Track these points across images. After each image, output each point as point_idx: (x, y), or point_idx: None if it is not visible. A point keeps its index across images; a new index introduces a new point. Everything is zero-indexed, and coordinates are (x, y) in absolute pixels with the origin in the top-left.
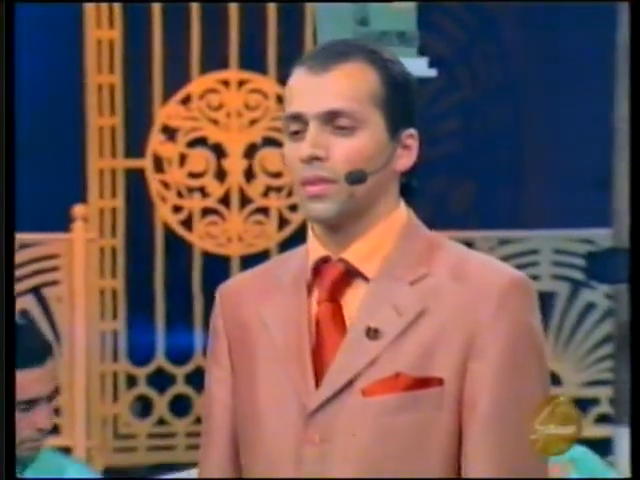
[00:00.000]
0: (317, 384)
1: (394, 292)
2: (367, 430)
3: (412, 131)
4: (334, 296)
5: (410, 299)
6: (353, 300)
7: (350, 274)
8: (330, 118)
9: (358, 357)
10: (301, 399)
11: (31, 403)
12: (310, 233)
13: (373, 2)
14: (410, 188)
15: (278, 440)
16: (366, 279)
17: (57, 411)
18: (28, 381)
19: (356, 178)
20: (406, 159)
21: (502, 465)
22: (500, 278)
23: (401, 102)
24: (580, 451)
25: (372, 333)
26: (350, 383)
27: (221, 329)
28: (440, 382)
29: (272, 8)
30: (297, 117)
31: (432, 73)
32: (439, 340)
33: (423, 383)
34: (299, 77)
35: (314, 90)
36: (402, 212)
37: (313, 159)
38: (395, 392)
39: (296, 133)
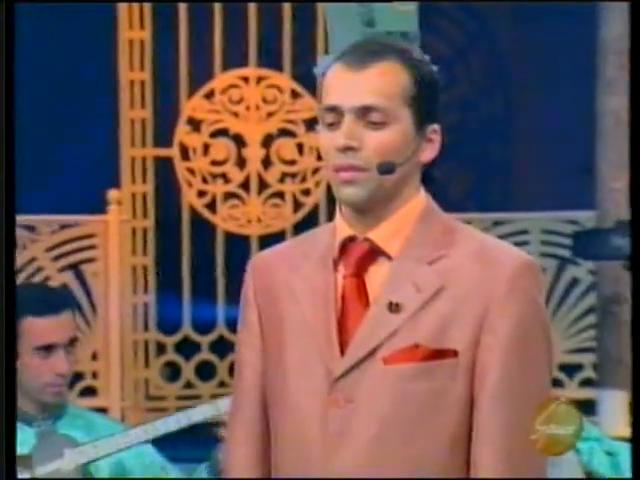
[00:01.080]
0: (342, 352)
1: (414, 270)
2: (387, 395)
3: (436, 126)
4: (359, 272)
5: (429, 277)
6: (376, 276)
7: (374, 252)
8: (364, 112)
9: (380, 329)
10: (327, 365)
11: (48, 349)
12: (337, 214)
13: (379, 2)
14: (431, 177)
15: (305, 402)
16: (389, 258)
17: (94, 375)
18: (44, 328)
19: (386, 169)
20: (430, 151)
21: (510, 430)
22: (512, 260)
23: (427, 100)
24: None
25: (394, 307)
26: (372, 352)
27: (252, 298)
28: (455, 353)
29: (287, 12)
30: (333, 109)
31: None
32: (455, 315)
33: (439, 354)
34: (337, 72)
35: (350, 85)
36: (422, 198)
37: (347, 149)
38: (413, 361)
39: (332, 124)
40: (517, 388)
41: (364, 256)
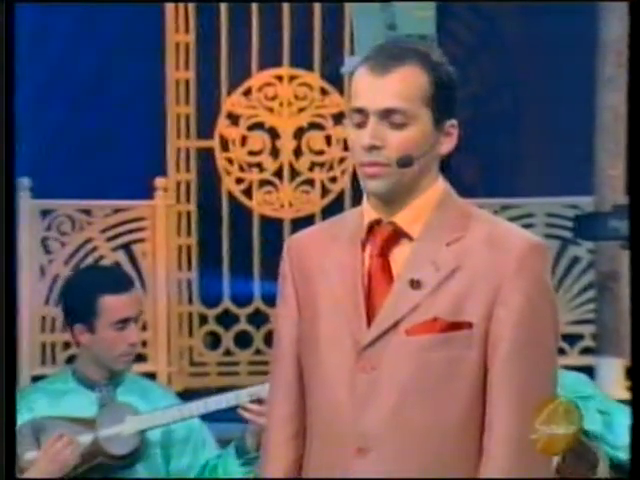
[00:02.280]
0: (368, 324)
1: (433, 251)
2: (409, 362)
3: (453, 121)
4: (383, 252)
5: (447, 257)
6: (399, 256)
7: (398, 235)
8: (387, 114)
9: (403, 303)
10: (355, 336)
11: (124, 322)
12: (365, 200)
13: (400, 1)
14: (448, 165)
15: (335, 369)
16: (411, 239)
17: (144, 344)
18: (121, 304)
19: (405, 162)
20: (447, 144)
21: (521, 391)
22: (522, 241)
23: (445, 98)
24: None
25: (415, 284)
26: (396, 324)
27: (288, 275)
28: (470, 325)
29: (317, 17)
30: (360, 111)
31: None
32: (470, 291)
33: (456, 326)
34: (363, 76)
35: (374, 89)
36: (441, 185)
37: (372, 148)
38: (432, 333)
39: (359, 124)
40: (527, 355)
41: (389, 238)
